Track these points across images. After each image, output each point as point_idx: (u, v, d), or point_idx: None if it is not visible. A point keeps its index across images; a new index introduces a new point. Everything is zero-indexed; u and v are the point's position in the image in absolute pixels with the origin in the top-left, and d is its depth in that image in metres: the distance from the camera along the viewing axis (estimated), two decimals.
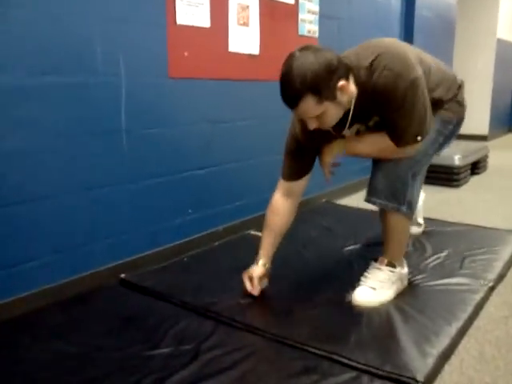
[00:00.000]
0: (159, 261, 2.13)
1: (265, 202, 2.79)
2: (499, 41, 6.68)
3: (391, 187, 1.65)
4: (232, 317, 1.66)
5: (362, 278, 1.79)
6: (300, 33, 2.93)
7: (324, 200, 3.28)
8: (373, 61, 1.48)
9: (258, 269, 1.78)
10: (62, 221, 1.81)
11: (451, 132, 1.81)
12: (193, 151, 2.31)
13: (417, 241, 2.44)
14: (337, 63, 1.41)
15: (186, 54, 2.19)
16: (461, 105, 1.81)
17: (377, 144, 1.61)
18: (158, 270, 2.08)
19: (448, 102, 1.74)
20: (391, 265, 1.79)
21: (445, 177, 3.78)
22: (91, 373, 1.36)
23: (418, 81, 1.49)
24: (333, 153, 1.71)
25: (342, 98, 1.46)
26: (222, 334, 1.57)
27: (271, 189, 2.83)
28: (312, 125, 1.49)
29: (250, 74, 2.61)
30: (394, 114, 1.52)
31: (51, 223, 1.78)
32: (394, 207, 1.67)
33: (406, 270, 1.87)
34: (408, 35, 4.19)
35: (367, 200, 1.70)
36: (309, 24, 2.99)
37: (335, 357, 1.43)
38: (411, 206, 1.70)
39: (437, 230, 2.62)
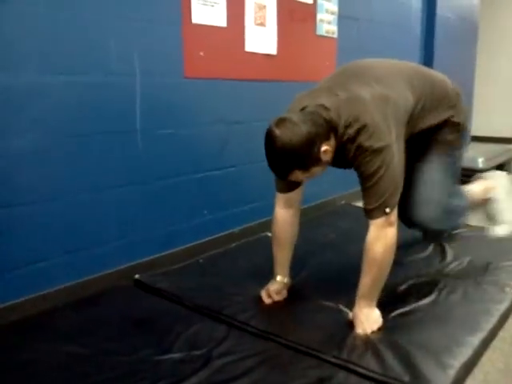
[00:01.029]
0: (174, 262, 2.09)
1: None
2: None
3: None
4: (246, 321, 1.61)
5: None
6: (318, 33, 2.88)
7: (343, 202, 3.23)
8: (351, 128, 1.46)
9: (275, 284, 1.77)
10: (74, 221, 1.79)
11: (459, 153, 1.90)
12: (209, 152, 2.28)
13: (438, 245, 2.36)
14: (315, 132, 1.42)
15: (201, 53, 2.16)
16: (463, 113, 1.83)
17: (370, 273, 1.56)
18: (173, 271, 2.04)
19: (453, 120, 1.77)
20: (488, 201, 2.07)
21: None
22: (99, 377, 1.33)
23: (391, 152, 1.47)
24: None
25: (326, 157, 1.48)
26: (234, 340, 1.52)
27: None
28: (302, 182, 1.62)
29: (267, 75, 2.57)
30: (364, 181, 1.51)
31: (63, 223, 1.76)
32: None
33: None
34: (429, 37, 4.11)
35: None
36: (327, 24, 2.94)
37: (352, 366, 1.37)
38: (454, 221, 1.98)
39: (459, 235, 2.52)
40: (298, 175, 1.48)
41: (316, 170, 1.50)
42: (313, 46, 2.87)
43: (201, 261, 2.17)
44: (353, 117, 1.46)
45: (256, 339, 1.53)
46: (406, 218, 1.83)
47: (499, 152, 4.21)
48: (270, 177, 2.60)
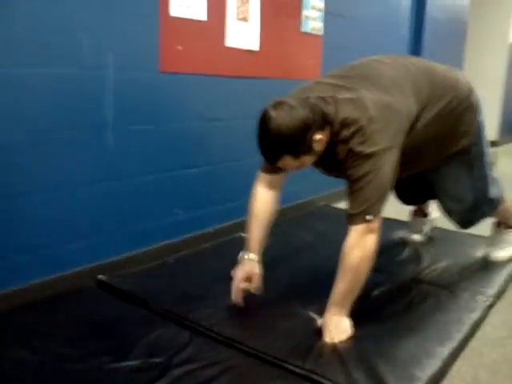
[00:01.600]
0: (144, 262, 2.04)
1: None
2: None
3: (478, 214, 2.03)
4: (210, 327, 1.56)
5: (489, 242, 2.25)
6: (303, 30, 2.82)
7: (322, 203, 3.18)
8: (348, 129, 1.44)
9: (246, 264, 1.66)
10: (37, 218, 1.73)
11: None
12: (184, 149, 2.21)
13: (414, 249, 2.34)
14: (312, 118, 1.39)
15: (179, 47, 2.10)
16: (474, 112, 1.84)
17: (345, 280, 1.51)
18: (140, 272, 1.98)
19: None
20: (510, 227, 2.20)
21: None
22: None
23: (382, 159, 1.44)
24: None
25: (318, 147, 1.45)
26: (196, 347, 1.47)
27: None
28: (290, 170, 1.55)
29: (249, 71, 2.50)
30: (351, 185, 1.48)
31: (24, 220, 1.70)
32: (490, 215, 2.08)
33: None
34: (417, 36, 4.07)
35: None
36: (313, 21, 2.88)
37: (315, 377, 1.33)
38: (492, 203, 2.02)
39: (437, 239, 2.51)
40: (287, 161, 1.43)
41: (306, 159, 1.46)
42: (297, 43, 2.81)
43: (171, 261, 2.11)
44: (351, 118, 1.44)
45: (219, 346, 1.48)
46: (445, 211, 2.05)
47: None
48: (248, 176, 2.54)
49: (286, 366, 1.37)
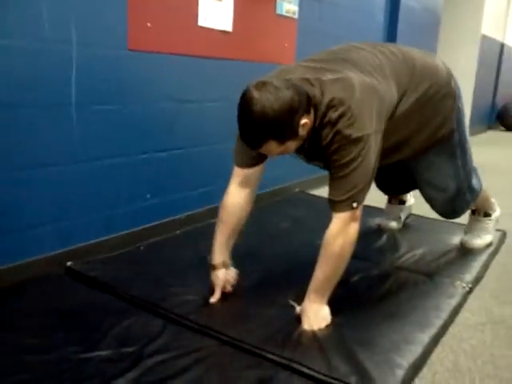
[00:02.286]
0: (112, 249, 1.94)
1: None
2: (484, 37, 6.59)
3: (457, 209, 2.03)
4: (184, 315, 1.49)
5: (465, 229, 2.26)
6: (278, 12, 2.74)
7: (297, 190, 3.13)
8: (334, 110, 1.36)
9: (219, 274, 1.61)
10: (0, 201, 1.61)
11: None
12: (154, 131, 2.12)
13: (392, 236, 2.32)
14: (298, 100, 1.29)
15: (148, 24, 1.99)
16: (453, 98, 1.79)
17: (326, 268, 1.47)
18: (110, 258, 1.89)
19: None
20: (487, 215, 2.20)
21: None
22: (11, 379, 1.17)
23: (369, 144, 1.38)
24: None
25: (303, 132, 1.36)
26: (170, 335, 1.40)
27: None
28: (273, 156, 1.43)
29: (221, 52, 2.42)
30: (336, 171, 1.41)
31: None
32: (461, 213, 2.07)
33: (498, 211, 2.25)
34: (392, 24, 4.05)
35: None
36: (288, 3, 2.81)
37: (295, 365, 1.28)
38: (474, 192, 2.01)
39: (413, 226, 2.50)
40: (271, 147, 1.33)
41: (290, 145, 1.37)
42: (272, 25, 2.73)
43: (142, 248, 2.02)
44: (338, 99, 1.35)
45: (193, 335, 1.41)
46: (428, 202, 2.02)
47: None
48: (221, 161, 2.47)
49: (264, 354, 1.32)
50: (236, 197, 1.59)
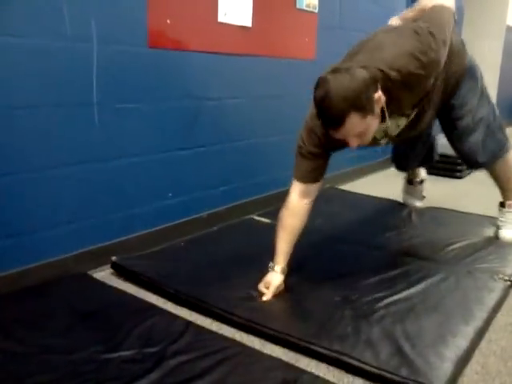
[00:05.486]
0: (133, 249, 1.93)
1: (253, 186, 2.63)
2: (509, 28, 6.43)
3: (484, 146, 2.01)
4: (228, 310, 1.52)
5: (499, 223, 2.21)
6: (298, 6, 2.70)
7: (327, 185, 3.09)
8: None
9: (276, 277, 1.65)
10: (18, 202, 1.62)
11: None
12: (175, 130, 2.10)
13: (427, 231, 2.32)
14: (369, 77, 1.40)
15: (168, 21, 1.98)
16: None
17: None
18: (152, 254, 1.95)
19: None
20: None
21: (448, 167, 3.58)
22: (34, 379, 1.18)
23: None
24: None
25: (378, 109, 1.46)
26: (193, 336, 1.39)
27: (260, 173, 2.68)
28: (354, 142, 1.47)
29: (242, 48, 2.39)
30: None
31: (4, 205, 1.58)
32: (498, 155, 2.06)
33: None
34: None
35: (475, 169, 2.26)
36: None
37: (345, 358, 1.29)
38: (504, 141, 2.07)
39: (446, 220, 2.50)
40: (354, 121, 1.38)
41: (371, 123, 1.44)
42: (292, 19, 2.69)
43: (182, 244, 2.06)
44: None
45: (216, 336, 1.41)
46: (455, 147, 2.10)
47: None
48: (242, 159, 2.47)
49: (313, 347, 1.34)
50: (296, 207, 1.69)
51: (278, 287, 1.64)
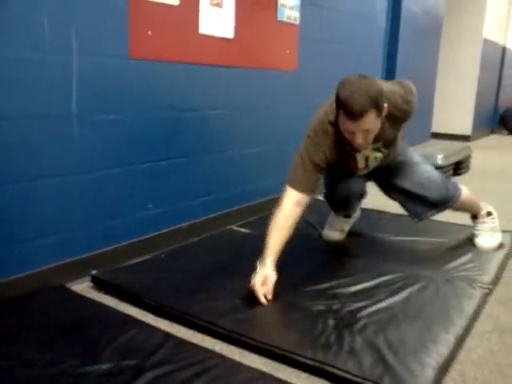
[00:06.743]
0: (113, 260, 1.93)
1: (234, 197, 2.63)
2: (485, 41, 6.57)
3: (438, 198, 2.09)
4: (211, 321, 1.51)
5: (475, 232, 2.29)
6: (279, 18, 2.73)
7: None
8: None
9: (270, 271, 1.68)
10: None
11: None
12: (155, 141, 2.10)
13: (406, 240, 2.36)
14: (381, 88, 1.61)
15: (149, 32, 1.99)
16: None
17: None
18: (132, 266, 1.95)
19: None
20: (489, 214, 2.28)
21: None
22: None
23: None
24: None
25: (383, 117, 1.66)
26: (171, 348, 1.38)
27: (240, 184, 2.68)
28: (359, 139, 1.65)
29: (223, 60, 2.41)
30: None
31: None
32: (448, 207, 2.14)
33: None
34: (394, 29, 4.03)
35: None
36: (289, 10, 2.80)
37: (328, 368, 1.30)
38: (451, 190, 2.12)
39: (426, 230, 2.49)
40: (371, 118, 1.57)
41: (377, 124, 1.64)
42: (273, 31, 2.72)
43: (163, 255, 2.06)
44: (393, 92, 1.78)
45: (195, 347, 1.40)
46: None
47: (458, 149, 4.23)
48: (223, 170, 2.47)
49: (296, 358, 1.35)
50: (292, 212, 1.75)
51: (270, 279, 1.66)
